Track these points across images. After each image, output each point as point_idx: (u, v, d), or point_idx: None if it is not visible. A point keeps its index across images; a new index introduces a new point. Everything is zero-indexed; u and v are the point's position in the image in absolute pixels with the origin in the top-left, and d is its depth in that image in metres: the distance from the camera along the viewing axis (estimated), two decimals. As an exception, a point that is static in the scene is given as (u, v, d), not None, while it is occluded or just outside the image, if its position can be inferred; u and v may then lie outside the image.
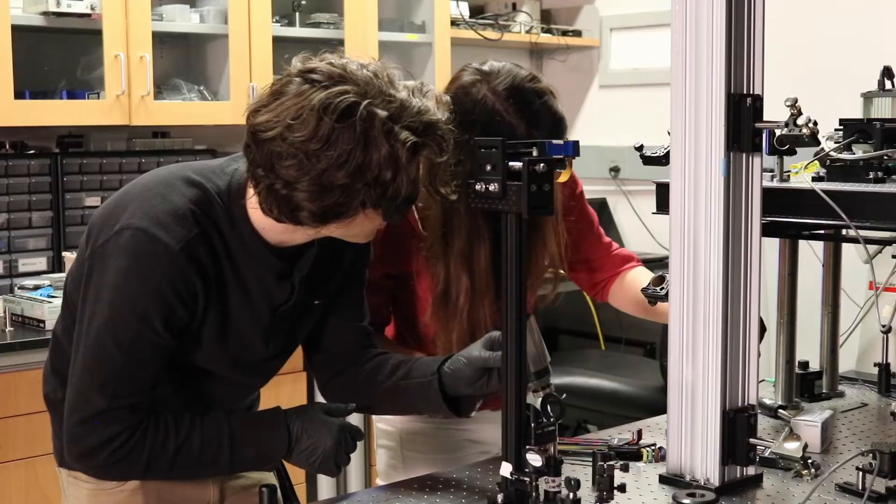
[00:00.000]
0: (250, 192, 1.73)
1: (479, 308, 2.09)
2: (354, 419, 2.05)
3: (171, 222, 1.70)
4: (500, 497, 1.69)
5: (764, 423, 2.16)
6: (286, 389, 3.39)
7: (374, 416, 2.38)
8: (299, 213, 1.66)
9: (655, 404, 3.73)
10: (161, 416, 1.75)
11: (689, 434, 1.85)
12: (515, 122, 1.99)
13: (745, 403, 1.83)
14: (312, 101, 1.60)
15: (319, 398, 2.05)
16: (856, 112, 2.32)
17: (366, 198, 1.64)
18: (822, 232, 2.22)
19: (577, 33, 5.17)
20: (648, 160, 2.07)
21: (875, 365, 2.51)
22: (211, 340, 1.79)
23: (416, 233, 2.10)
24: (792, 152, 1.88)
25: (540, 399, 1.71)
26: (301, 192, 1.63)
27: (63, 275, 3.42)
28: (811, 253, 2.67)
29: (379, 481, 2.32)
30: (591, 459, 1.84)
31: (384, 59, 1.75)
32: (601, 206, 5.15)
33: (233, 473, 1.89)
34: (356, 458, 1.98)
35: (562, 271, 2.27)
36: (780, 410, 2.24)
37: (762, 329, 2.04)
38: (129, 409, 1.72)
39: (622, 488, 1.73)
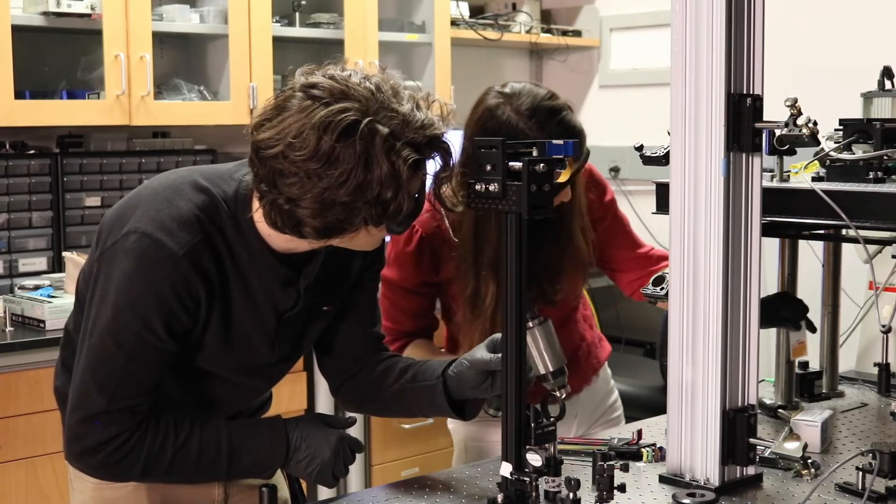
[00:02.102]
0: (256, 202, 1.73)
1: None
2: (356, 431, 2.06)
3: (176, 227, 1.70)
4: (500, 497, 1.69)
5: (764, 423, 2.17)
6: (286, 389, 3.37)
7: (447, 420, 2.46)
8: (302, 227, 1.66)
9: (655, 404, 3.72)
10: (161, 420, 1.75)
11: (689, 434, 1.85)
12: (537, 138, 2.02)
13: (745, 403, 1.84)
14: (313, 120, 1.59)
15: (320, 399, 2.05)
16: (856, 112, 2.32)
17: (367, 215, 1.64)
18: (822, 232, 2.22)
19: (577, 33, 5.17)
20: (648, 160, 2.08)
21: (875, 365, 2.51)
22: (215, 344, 1.79)
23: (450, 242, 2.18)
24: (792, 152, 1.89)
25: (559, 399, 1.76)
26: (304, 208, 1.63)
27: (63, 275, 3.42)
28: (811, 253, 2.67)
29: None
30: (591, 459, 1.85)
31: (387, 67, 1.74)
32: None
33: (230, 480, 1.89)
34: (356, 458, 1.97)
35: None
36: (780, 410, 2.25)
37: (811, 328, 2.25)
38: (129, 410, 1.72)
39: (622, 488, 1.73)
